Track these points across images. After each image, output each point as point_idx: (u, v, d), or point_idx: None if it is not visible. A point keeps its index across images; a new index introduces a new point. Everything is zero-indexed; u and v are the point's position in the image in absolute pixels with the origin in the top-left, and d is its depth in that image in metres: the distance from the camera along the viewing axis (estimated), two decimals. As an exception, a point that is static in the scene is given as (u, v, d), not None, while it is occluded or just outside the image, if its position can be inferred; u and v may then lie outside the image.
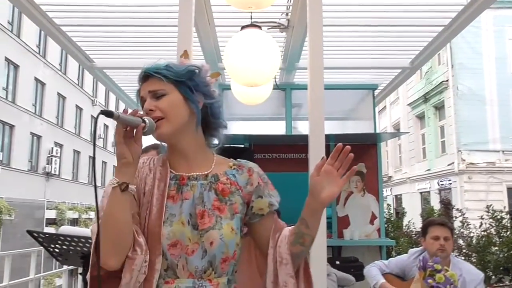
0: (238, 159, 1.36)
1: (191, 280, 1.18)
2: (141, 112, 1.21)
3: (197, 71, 1.27)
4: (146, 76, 1.25)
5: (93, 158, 1.17)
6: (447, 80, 16.13)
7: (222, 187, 1.26)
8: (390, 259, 3.17)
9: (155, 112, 1.21)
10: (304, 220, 1.25)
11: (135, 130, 1.17)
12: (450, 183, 15.86)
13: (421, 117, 18.89)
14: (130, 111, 1.17)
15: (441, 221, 3.00)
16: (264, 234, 1.32)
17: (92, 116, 24.32)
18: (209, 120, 1.31)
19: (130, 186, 1.16)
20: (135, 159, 1.18)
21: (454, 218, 7.91)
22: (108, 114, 1.11)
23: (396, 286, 2.90)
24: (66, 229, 2.62)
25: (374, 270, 3.00)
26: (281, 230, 1.31)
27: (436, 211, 9.33)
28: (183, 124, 1.24)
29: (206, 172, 1.27)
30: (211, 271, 1.20)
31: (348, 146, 1.20)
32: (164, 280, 1.19)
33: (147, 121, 1.18)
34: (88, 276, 1.17)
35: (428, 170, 17.67)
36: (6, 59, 16.90)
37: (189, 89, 1.24)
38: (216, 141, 1.37)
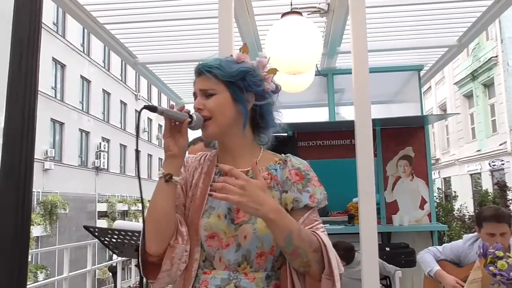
0: (287, 154, 1.33)
1: (226, 272, 1.19)
2: (188, 109, 1.24)
3: (251, 71, 1.25)
4: (200, 71, 1.26)
5: (136, 151, 1.19)
6: (496, 56, 15.38)
7: None
8: (444, 245, 3.07)
9: (203, 111, 1.24)
10: None
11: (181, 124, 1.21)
12: (503, 164, 15.18)
13: (469, 96, 18.15)
14: (176, 107, 1.21)
15: (497, 218, 2.65)
16: None
17: (136, 111, 24.91)
18: (257, 120, 1.30)
19: (174, 177, 1.20)
20: (180, 151, 1.22)
21: (510, 202, 7.57)
22: (152, 109, 1.15)
23: (451, 273, 2.81)
24: (120, 223, 2.73)
25: (428, 256, 2.93)
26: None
27: (490, 194, 8.97)
28: (229, 124, 1.25)
29: (248, 168, 1.26)
30: (246, 265, 1.19)
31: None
32: (202, 270, 1.22)
33: (194, 116, 1.21)
34: (140, 260, 1.22)
35: (478, 151, 16.99)
36: (53, 59, 17.53)
37: (240, 89, 1.24)
38: (266, 139, 1.35)
